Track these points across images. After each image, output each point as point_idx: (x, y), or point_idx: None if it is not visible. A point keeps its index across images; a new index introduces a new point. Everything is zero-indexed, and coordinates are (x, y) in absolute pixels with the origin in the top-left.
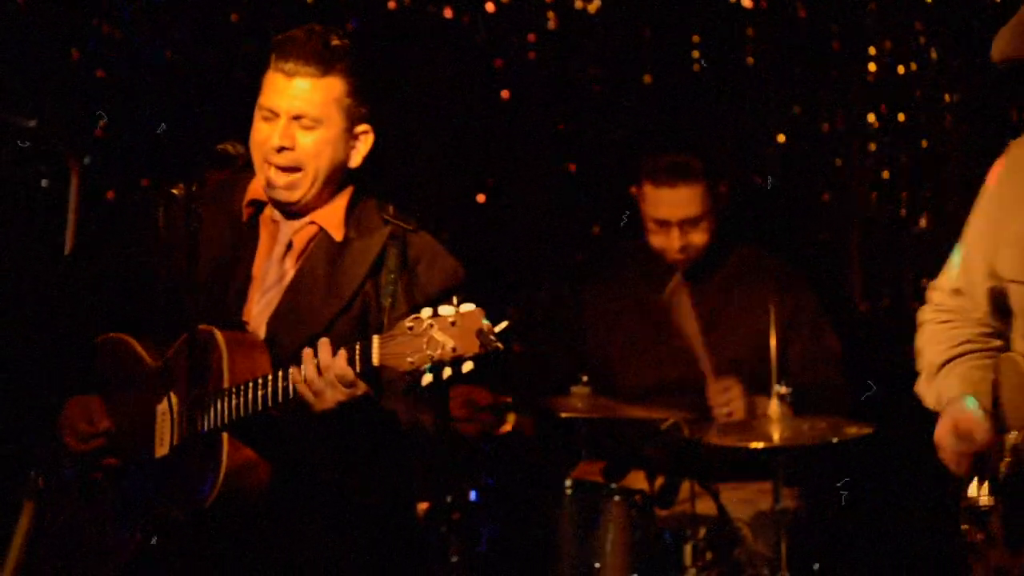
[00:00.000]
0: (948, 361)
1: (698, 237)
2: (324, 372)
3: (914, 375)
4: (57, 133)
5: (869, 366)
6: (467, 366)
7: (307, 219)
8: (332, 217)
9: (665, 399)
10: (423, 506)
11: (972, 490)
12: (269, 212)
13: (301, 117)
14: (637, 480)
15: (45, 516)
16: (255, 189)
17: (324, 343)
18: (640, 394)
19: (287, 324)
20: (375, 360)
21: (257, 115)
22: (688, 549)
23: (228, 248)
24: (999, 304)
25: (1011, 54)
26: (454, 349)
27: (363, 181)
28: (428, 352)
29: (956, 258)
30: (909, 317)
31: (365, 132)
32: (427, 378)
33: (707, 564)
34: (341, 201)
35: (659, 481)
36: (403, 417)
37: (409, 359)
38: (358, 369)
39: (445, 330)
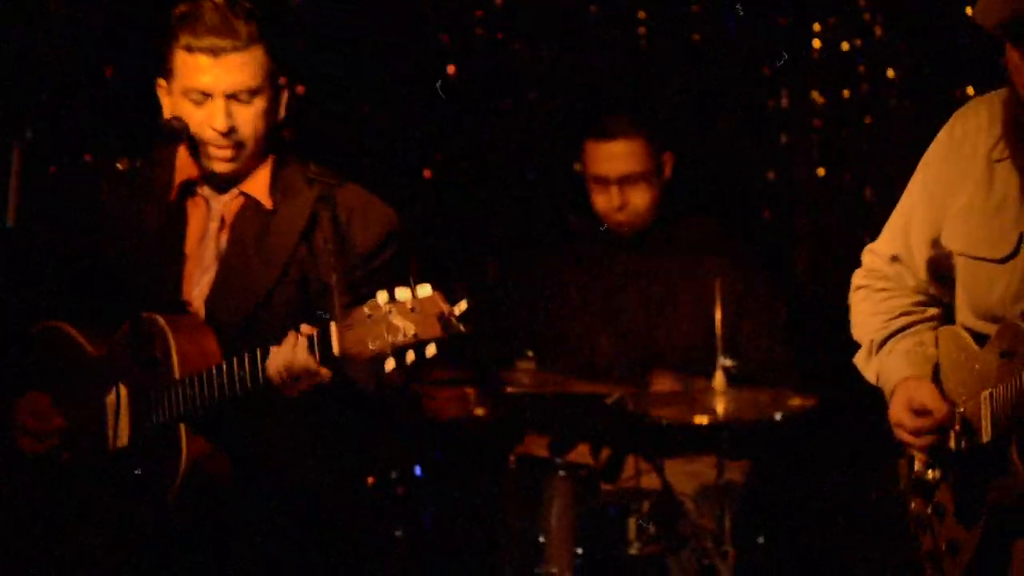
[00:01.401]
0: (889, 337)
1: (638, 197)
2: (287, 367)
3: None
4: None
5: (814, 341)
6: (430, 350)
7: (235, 190)
8: (259, 185)
9: (612, 374)
10: (368, 481)
11: (917, 464)
12: (200, 189)
13: (237, 93)
14: (582, 455)
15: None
16: (185, 169)
17: (283, 346)
18: (588, 369)
19: (225, 299)
20: (336, 350)
21: (181, 100)
22: (632, 523)
23: (161, 227)
24: (939, 274)
25: (996, 18)
26: (416, 335)
27: (283, 143)
28: (389, 338)
29: (893, 222)
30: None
31: (283, 87)
32: (390, 363)
33: (651, 538)
34: (265, 167)
35: (604, 455)
36: (367, 383)
37: (370, 346)
38: (319, 359)
39: (405, 315)
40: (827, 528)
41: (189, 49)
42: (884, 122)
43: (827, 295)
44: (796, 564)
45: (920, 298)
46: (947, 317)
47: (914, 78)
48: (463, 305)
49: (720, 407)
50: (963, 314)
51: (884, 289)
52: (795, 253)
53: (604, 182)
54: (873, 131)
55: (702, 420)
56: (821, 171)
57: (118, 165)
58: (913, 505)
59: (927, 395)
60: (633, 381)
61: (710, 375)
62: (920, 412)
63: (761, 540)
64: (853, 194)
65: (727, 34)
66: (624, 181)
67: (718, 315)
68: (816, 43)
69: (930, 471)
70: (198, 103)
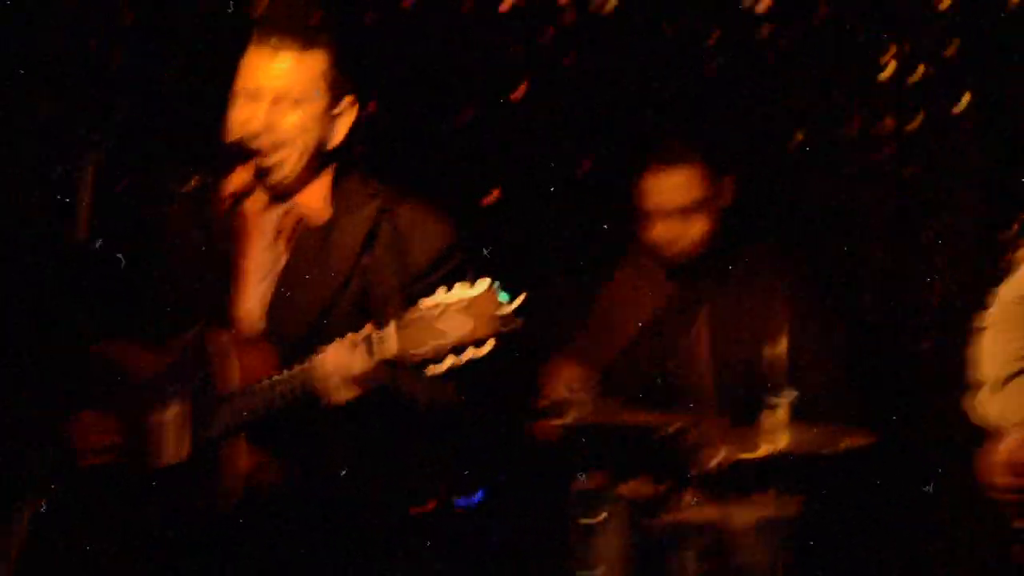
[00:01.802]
0: (1009, 377)
1: (695, 229)
2: (338, 370)
3: (922, 384)
4: (72, 122)
5: (878, 376)
6: (487, 346)
7: (291, 202)
8: (316, 198)
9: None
10: (430, 505)
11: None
12: (251, 203)
13: (286, 94)
14: (640, 486)
15: (48, 540)
16: (237, 180)
17: (334, 347)
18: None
19: (285, 314)
20: (393, 351)
21: (239, 95)
22: (689, 556)
23: (214, 244)
24: None
25: None
26: (473, 332)
27: (346, 157)
28: (448, 335)
29: None
30: (925, 327)
31: (349, 105)
32: (448, 361)
33: (707, 572)
34: (325, 180)
35: (662, 488)
36: (422, 399)
37: (429, 343)
38: (378, 360)
39: (461, 312)
40: (883, 566)
41: (254, 44)
42: (956, 150)
43: (897, 324)
44: None
45: None
46: None
47: (987, 107)
48: (520, 299)
49: (780, 441)
50: None
51: (1011, 330)
52: (860, 281)
53: (661, 213)
54: (944, 159)
55: (761, 453)
56: (892, 199)
57: (192, 182)
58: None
59: None
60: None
61: (769, 407)
62: (1018, 472)
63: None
64: (923, 225)
65: (798, 55)
66: (682, 212)
67: (783, 345)
68: (889, 67)
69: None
70: (248, 101)
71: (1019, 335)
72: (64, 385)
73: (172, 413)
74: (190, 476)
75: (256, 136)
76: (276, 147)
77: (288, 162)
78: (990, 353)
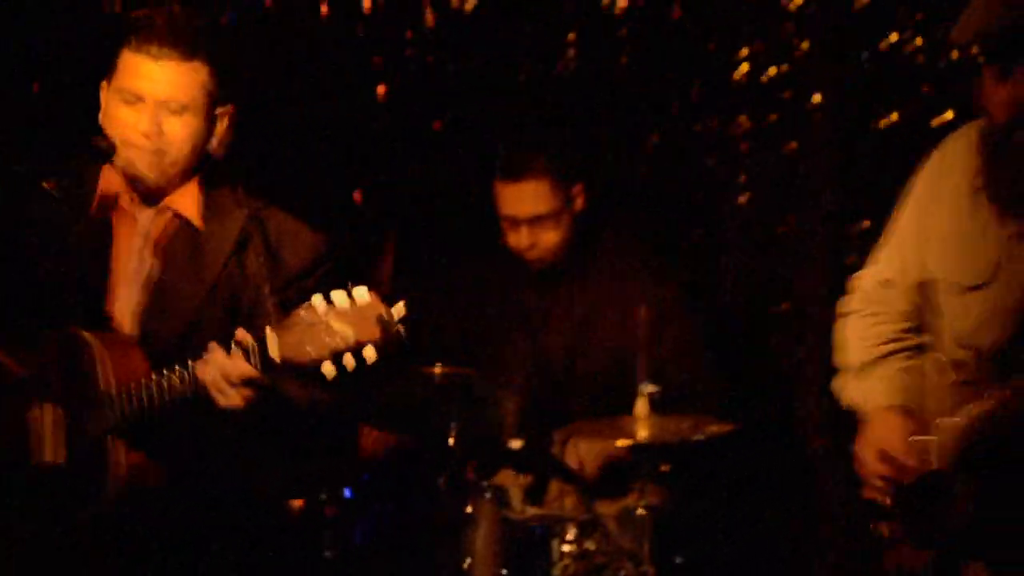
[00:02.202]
0: (875, 360)
1: (548, 236)
2: (226, 376)
3: (779, 375)
4: None
5: (737, 365)
6: (369, 353)
7: (162, 205)
8: (188, 203)
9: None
10: (298, 503)
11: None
12: (124, 204)
13: (168, 102)
14: (507, 478)
15: None
16: (108, 181)
17: (216, 349)
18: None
19: (157, 318)
20: (274, 355)
21: (114, 97)
22: (556, 545)
23: (84, 244)
24: (928, 298)
25: (975, 33)
26: (355, 338)
27: (213, 162)
28: (328, 342)
29: (884, 251)
30: (779, 318)
31: (225, 113)
32: (329, 368)
33: (574, 559)
34: (192, 186)
35: (530, 479)
36: (300, 400)
37: (309, 350)
38: (257, 365)
39: (342, 318)
40: (744, 549)
41: (135, 50)
42: (808, 148)
43: (752, 317)
44: None
45: (908, 325)
46: (934, 344)
47: (841, 105)
48: (401, 307)
49: (641, 432)
50: (942, 341)
51: (874, 314)
52: (719, 278)
53: (513, 222)
54: (797, 156)
55: (623, 444)
56: (745, 196)
57: (45, 184)
58: (874, 526)
59: (896, 438)
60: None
61: (631, 403)
62: (885, 457)
63: (679, 560)
64: (780, 218)
65: (659, 58)
66: (532, 221)
67: (642, 341)
68: (744, 67)
69: (887, 497)
70: (130, 104)
71: (881, 319)
72: None
73: (48, 413)
74: (71, 476)
75: (139, 139)
76: (157, 152)
77: (164, 166)
78: (854, 338)
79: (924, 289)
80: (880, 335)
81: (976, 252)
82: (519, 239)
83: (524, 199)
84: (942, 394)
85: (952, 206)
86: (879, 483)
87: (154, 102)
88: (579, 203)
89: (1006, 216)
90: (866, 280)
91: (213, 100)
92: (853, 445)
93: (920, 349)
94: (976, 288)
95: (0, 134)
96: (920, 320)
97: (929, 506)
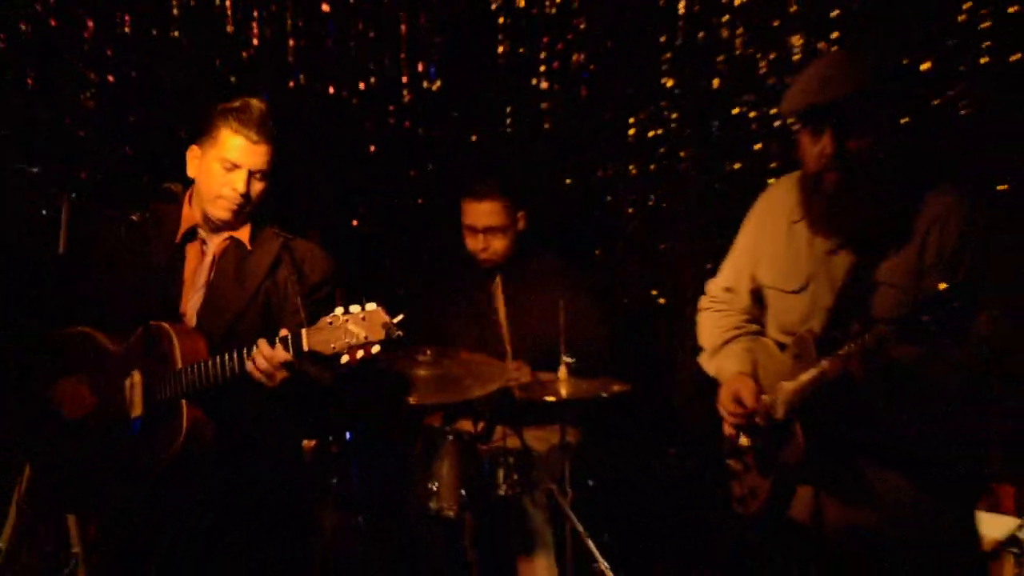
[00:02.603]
0: (725, 343)
1: (497, 243)
2: (269, 361)
3: (661, 352)
4: (52, 176)
5: (632, 345)
6: (375, 349)
7: (226, 234)
8: (244, 233)
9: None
10: (310, 443)
11: (733, 433)
12: (201, 233)
13: (257, 172)
14: (465, 424)
15: (44, 467)
16: (189, 219)
17: (263, 342)
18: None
19: (210, 313)
20: (305, 347)
21: (213, 162)
22: (501, 472)
23: (168, 261)
24: (757, 300)
25: (795, 107)
26: (366, 337)
27: (263, 209)
28: (346, 340)
29: (727, 264)
30: (660, 310)
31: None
32: (344, 359)
33: (514, 483)
34: (248, 222)
35: (481, 425)
36: (318, 375)
37: (332, 345)
38: (292, 355)
39: (357, 323)
40: (636, 475)
41: (235, 131)
42: (678, 188)
43: (636, 310)
44: (615, 499)
45: (745, 317)
46: (763, 332)
47: (702, 158)
48: (401, 316)
49: (563, 390)
50: (771, 330)
51: (722, 310)
52: (617, 281)
53: (473, 230)
54: (668, 194)
55: (550, 399)
56: (634, 223)
57: (133, 217)
58: (730, 463)
59: (746, 391)
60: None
61: (556, 368)
62: (738, 401)
63: (591, 483)
64: (657, 238)
65: (572, 124)
66: (488, 230)
67: (561, 326)
68: (631, 131)
69: (743, 439)
70: (228, 170)
71: (727, 314)
72: (54, 358)
73: (134, 380)
74: (150, 429)
75: (233, 195)
76: (242, 204)
77: (243, 214)
78: (707, 328)
79: (758, 293)
80: (727, 324)
81: (796, 266)
82: (476, 243)
83: (483, 213)
84: (775, 366)
85: (776, 234)
86: (735, 421)
87: (248, 170)
88: (521, 224)
89: (818, 238)
90: (715, 286)
91: (274, 167)
92: (716, 400)
93: (753, 334)
94: (796, 292)
95: (101, 185)
96: (753, 315)
97: (774, 444)
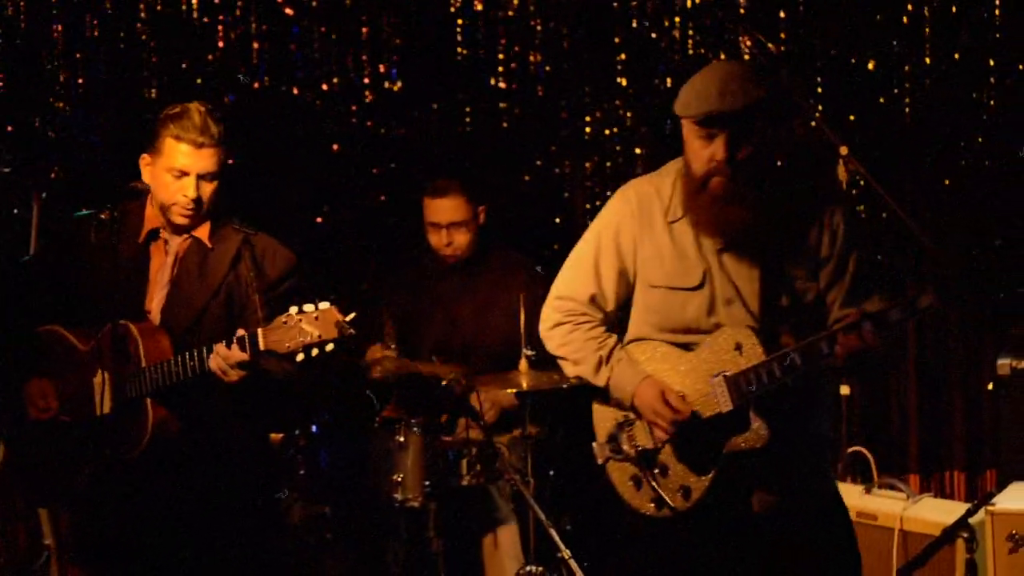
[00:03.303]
0: (611, 353)
1: (460, 238)
2: (227, 360)
3: None
4: (24, 175)
5: None
6: (329, 347)
7: (187, 235)
8: (202, 231)
9: (447, 358)
10: (277, 437)
11: (645, 439)
12: (163, 234)
13: (205, 175)
14: (429, 417)
15: (17, 461)
16: (151, 219)
17: (220, 345)
18: (429, 354)
19: (174, 310)
20: (261, 347)
21: (161, 171)
22: (464, 463)
23: (132, 261)
24: (624, 303)
25: (692, 111)
26: (319, 336)
27: (221, 205)
28: (300, 339)
29: (580, 274)
30: None
31: (228, 168)
32: (300, 357)
33: (477, 473)
34: (207, 220)
35: (444, 417)
36: (276, 372)
37: (287, 344)
38: (249, 354)
39: (311, 322)
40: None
41: (177, 139)
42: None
43: None
44: (573, 488)
45: (607, 326)
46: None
47: (655, 154)
48: (353, 315)
49: (524, 383)
50: (650, 332)
51: (586, 322)
52: None
53: (436, 226)
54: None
55: (511, 391)
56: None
57: (102, 215)
58: (637, 470)
59: (667, 392)
60: (464, 368)
61: (516, 362)
62: (673, 407)
63: (552, 473)
64: None
65: (530, 122)
66: (450, 226)
67: (522, 318)
68: (588, 129)
69: (655, 442)
70: (176, 177)
71: (592, 326)
72: (22, 358)
73: (101, 379)
74: (116, 425)
75: (184, 201)
76: (196, 208)
77: (199, 216)
78: (576, 342)
79: (622, 296)
80: (600, 334)
81: (687, 263)
82: (440, 239)
83: (445, 209)
84: (667, 370)
85: (653, 235)
86: (675, 419)
87: (196, 175)
88: (482, 219)
89: (707, 237)
90: (571, 299)
91: (225, 165)
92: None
93: (618, 343)
94: (694, 289)
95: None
96: (610, 322)
97: (715, 437)
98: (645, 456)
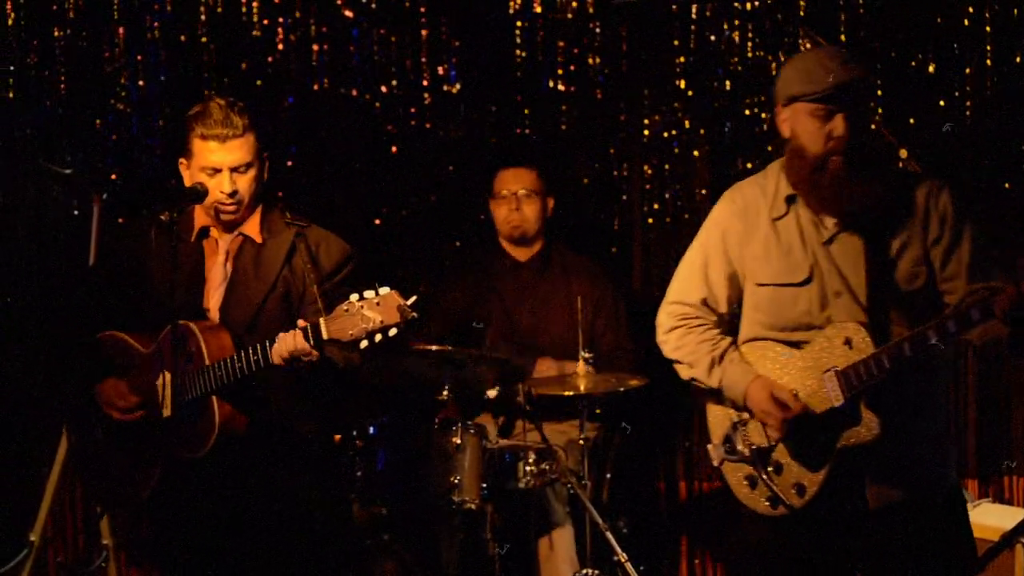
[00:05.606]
0: (724, 353)
1: (529, 210)
2: (291, 352)
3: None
4: (85, 177)
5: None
6: (392, 332)
7: (236, 232)
8: (252, 227)
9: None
10: (336, 437)
11: (759, 438)
12: (213, 233)
13: (238, 167)
14: (487, 419)
15: (84, 462)
16: (201, 219)
17: (283, 335)
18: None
19: (233, 308)
20: (324, 336)
21: (197, 172)
22: (521, 466)
23: (189, 261)
24: (735, 304)
25: (817, 88)
26: (382, 321)
27: (268, 196)
28: (363, 326)
29: (690, 279)
30: None
31: (266, 157)
32: (363, 344)
33: (534, 476)
34: (256, 214)
35: (502, 419)
36: (339, 361)
37: (350, 332)
38: (312, 344)
39: (372, 308)
40: (653, 467)
41: (204, 138)
42: (691, 186)
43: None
44: (629, 491)
45: (721, 328)
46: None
47: (712, 156)
48: (414, 298)
49: (582, 385)
50: (761, 331)
51: (700, 324)
52: (633, 272)
53: (506, 198)
54: (683, 192)
55: (569, 394)
56: (650, 220)
57: (162, 217)
58: (752, 469)
59: (778, 390)
60: (523, 364)
61: (576, 361)
62: (779, 402)
63: (608, 476)
64: (672, 236)
65: (588, 125)
66: (520, 196)
67: (580, 320)
68: (646, 132)
69: (769, 440)
70: (211, 175)
71: (706, 328)
72: (87, 364)
73: (165, 379)
74: (180, 427)
75: (224, 198)
76: (237, 202)
77: (242, 210)
78: (690, 344)
79: (733, 298)
80: (714, 336)
81: (793, 260)
82: (509, 209)
83: (519, 176)
84: (778, 368)
85: (758, 235)
86: (785, 417)
87: (228, 169)
88: (550, 208)
89: (819, 225)
90: (683, 303)
91: (261, 154)
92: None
93: (733, 342)
94: (801, 284)
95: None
96: (728, 321)
97: (826, 434)
98: (759, 455)
